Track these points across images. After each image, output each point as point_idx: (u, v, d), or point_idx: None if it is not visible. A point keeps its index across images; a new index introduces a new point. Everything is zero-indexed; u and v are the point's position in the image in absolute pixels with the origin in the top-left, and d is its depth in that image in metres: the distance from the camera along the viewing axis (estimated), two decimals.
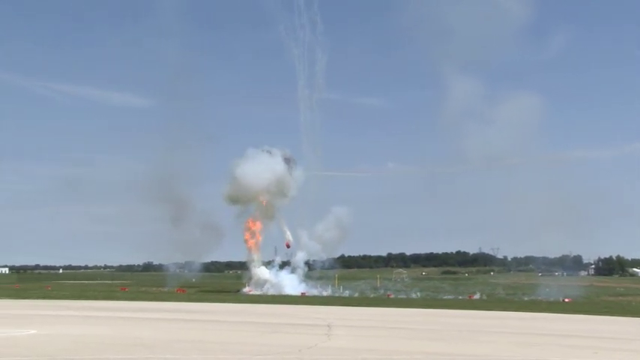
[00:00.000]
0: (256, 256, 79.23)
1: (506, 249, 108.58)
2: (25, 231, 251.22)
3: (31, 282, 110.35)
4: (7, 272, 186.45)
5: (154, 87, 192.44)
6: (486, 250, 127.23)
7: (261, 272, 77.61)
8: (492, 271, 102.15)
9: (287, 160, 78.68)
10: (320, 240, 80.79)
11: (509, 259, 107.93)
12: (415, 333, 28.03)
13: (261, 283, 76.50)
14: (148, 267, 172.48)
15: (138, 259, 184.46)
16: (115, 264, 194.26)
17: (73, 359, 17.49)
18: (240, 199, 78.14)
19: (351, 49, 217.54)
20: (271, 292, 73.09)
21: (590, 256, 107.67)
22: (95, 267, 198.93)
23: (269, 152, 78.87)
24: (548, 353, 20.66)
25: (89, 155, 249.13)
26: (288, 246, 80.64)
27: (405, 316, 39.34)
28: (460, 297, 68.09)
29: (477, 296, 68.34)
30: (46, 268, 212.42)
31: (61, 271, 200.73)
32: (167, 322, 31.14)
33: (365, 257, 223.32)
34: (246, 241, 78.72)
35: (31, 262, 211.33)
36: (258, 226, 79.16)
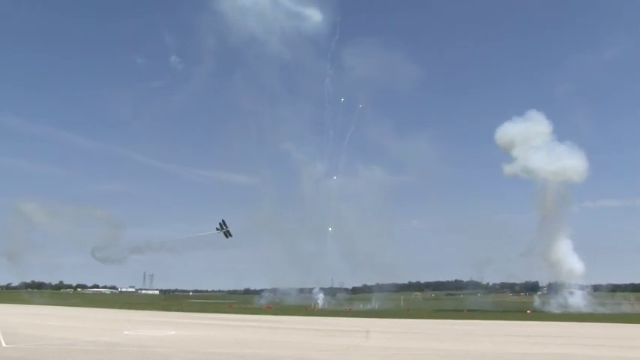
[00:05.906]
0: None
1: (488, 277, 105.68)
2: (174, 268, 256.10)
3: (172, 300, 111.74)
4: (158, 293, 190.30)
5: None
6: (475, 278, 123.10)
7: None
8: (479, 293, 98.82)
9: None
10: None
11: (490, 284, 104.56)
12: (425, 336, 27.01)
13: None
14: (247, 291, 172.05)
15: (240, 286, 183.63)
16: (225, 289, 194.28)
17: (198, 350, 17.91)
18: None
19: None
20: None
21: (544, 281, 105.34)
22: (213, 291, 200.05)
23: None
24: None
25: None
26: None
27: (419, 324, 37.73)
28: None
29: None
30: (181, 291, 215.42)
31: (190, 293, 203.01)
32: (257, 328, 31.15)
33: (392, 284, 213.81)
34: None
35: (172, 287, 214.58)
36: None
